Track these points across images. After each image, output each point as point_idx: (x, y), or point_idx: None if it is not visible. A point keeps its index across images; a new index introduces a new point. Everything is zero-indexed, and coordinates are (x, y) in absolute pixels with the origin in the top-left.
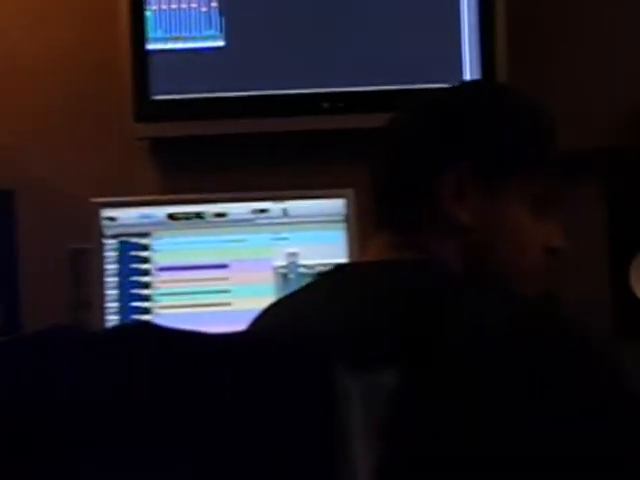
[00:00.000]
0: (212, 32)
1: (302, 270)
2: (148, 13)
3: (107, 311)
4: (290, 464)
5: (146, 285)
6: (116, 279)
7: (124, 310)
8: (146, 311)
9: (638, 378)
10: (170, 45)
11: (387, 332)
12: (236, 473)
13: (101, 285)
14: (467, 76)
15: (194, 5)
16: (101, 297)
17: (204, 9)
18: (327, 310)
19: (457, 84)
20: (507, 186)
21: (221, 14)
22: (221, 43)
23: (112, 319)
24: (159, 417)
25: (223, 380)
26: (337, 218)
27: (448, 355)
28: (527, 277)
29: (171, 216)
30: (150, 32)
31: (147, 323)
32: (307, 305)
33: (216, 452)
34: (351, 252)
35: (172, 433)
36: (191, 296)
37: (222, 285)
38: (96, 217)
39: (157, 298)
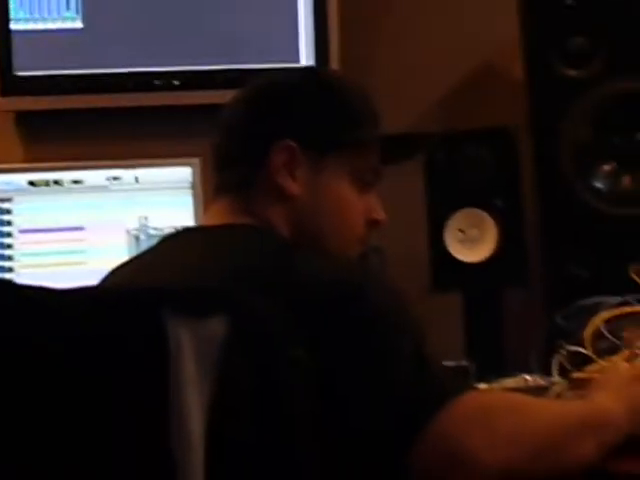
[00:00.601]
0: (71, 14)
1: (152, 232)
2: None
3: None
4: (126, 409)
5: (9, 246)
6: None
7: None
8: (9, 270)
9: (448, 330)
10: (32, 25)
11: (217, 286)
12: (80, 417)
13: None
14: (303, 59)
15: None
16: None
17: None
18: (167, 267)
19: (296, 69)
20: (331, 163)
21: None
22: (79, 25)
23: None
24: (15, 362)
25: (70, 330)
26: (184, 185)
27: (267, 305)
28: (348, 243)
29: (32, 182)
30: (13, 13)
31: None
32: (151, 263)
33: (63, 397)
34: (197, 216)
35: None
36: (50, 256)
37: (78, 246)
38: None
39: (19, 258)
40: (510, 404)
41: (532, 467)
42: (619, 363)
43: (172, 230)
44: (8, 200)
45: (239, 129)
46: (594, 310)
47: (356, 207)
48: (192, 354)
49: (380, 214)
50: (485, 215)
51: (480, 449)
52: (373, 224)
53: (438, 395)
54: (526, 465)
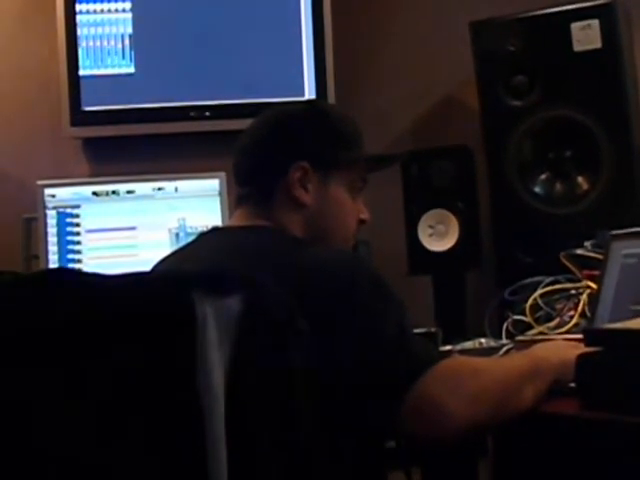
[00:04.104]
0: (125, 62)
1: (189, 230)
2: (80, 49)
3: (50, 261)
4: (162, 365)
5: (78, 242)
6: (56, 239)
7: (62, 261)
8: (78, 261)
9: (421, 305)
10: (95, 71)
11: (234, 271)
12: (124, 371)
13: (46, 243)
14: (306, 93)
15: (112, 43)
16: (46, 252)
17: (119, 46)
18: (201, 256)
19: (300, 102)
20: (333, 177)
21: (131, 50)
22: (131, 70)
23: (54, 267)
24: (78, 330)
25: (121, 304)
26: (213, 193)
27: (275, 286)
28: (346, 239)
29: (95, 193)
30: (81, 62)
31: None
32: (189, 253)
33: (114, 352)
34: (223, 217)
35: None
36: (110, 250)
37: (132, 242)
38: (41, 194)
39: (86, 252)
40: (472, 369)
41: (488, 418)
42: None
43: (204, 228)
44: (77, 207)
45: (259, 153)
46: (534, 287)
47: (351, 210)
48: (214, 324)
49: (367, 214)
50: (449, 214)
51: (452, 407)
52: (362, 222)
53: (418, 364)
54: (483, 417)
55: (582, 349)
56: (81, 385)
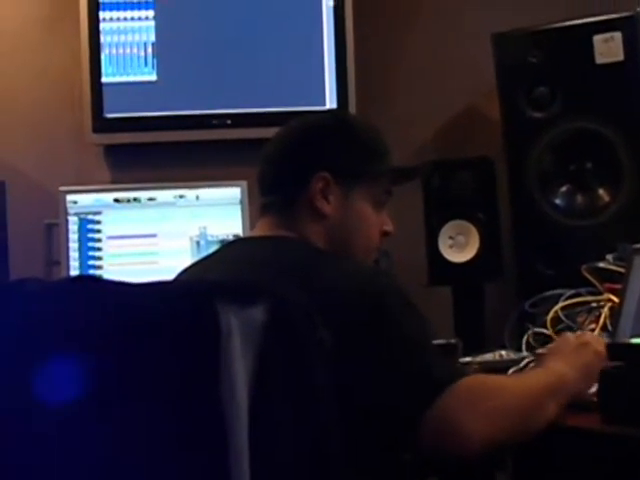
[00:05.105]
0: (148, 70)
1: (210, 239)
2: (103, 56)
3: (71, 268)
4: (186, 377)
5: (99, 249)
6: (77, 245)
7: (83, 267)
8: (99, 267)
9: (441, 316)
10: (118, 78)
11: (259, 281)
12: (149, 383)
13: (67, 249)
14: (328, 103)
15: (135, 51)
16: (67, 258)
17: (142, 54)
18: (226, 267)
19: (327, 112)
20: (356, 189)
21: (154, 57)
22: (153, 78)
23: (74, 273)
24: (94, 337)
25: (144, 314)
26: (234, 201)
27: (298, 297)
28: (368, 251)
29: (116, 200)
30: (104, 69)
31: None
32: (213, 263)
33: (138, 364)
34: (244, 225)
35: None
36: (130, 257)
37: (152, 249)
38: (63, 201)
39: (107, 258)
40: (492, 388)
41: (508, 437)
42: (567, 334)
43: (225, 237)
44: (98, 213)
45: (283, 162)
46: (555, 300)
47: (374, 223)
48: (239, 335)
49: (390, 227)
50: (470, 225)
51: (468, 427)
52: (385, 234)
53: (438, 382)
54: (503, 436)
55: (596, 352)
56: (102, 394)
